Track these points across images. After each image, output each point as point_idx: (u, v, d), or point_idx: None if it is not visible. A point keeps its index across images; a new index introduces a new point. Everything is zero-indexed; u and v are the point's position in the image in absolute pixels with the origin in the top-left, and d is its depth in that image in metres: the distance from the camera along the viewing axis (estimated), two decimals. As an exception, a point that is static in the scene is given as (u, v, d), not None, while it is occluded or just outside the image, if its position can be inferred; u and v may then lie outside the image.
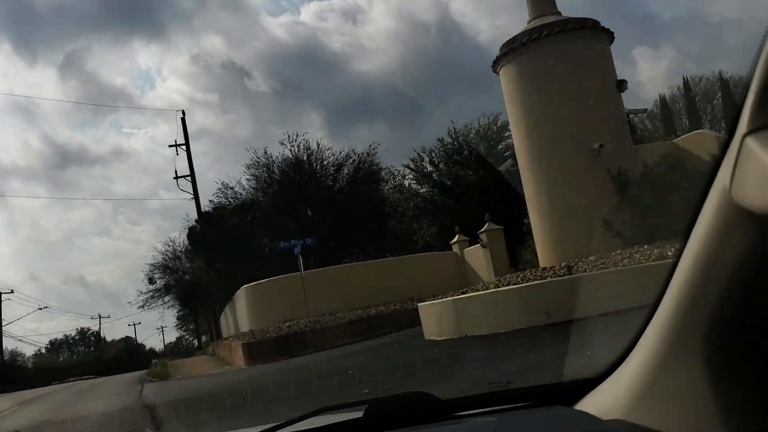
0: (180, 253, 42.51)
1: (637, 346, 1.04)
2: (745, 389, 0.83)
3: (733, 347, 0.83)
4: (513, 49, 16.53)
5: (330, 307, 21.43)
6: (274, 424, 1.41)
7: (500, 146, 30.11)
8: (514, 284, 12.67)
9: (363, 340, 17.52)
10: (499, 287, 12.89)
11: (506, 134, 29.83)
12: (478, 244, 22.86)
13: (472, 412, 1.35)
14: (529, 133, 16.44)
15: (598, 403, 1.14)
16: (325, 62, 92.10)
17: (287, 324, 20.96)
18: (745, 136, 0.67)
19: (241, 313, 26.94)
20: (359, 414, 1.37)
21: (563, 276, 12.19)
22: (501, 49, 16.96)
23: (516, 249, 23.24)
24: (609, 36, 16.69)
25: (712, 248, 0.79)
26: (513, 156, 18.27)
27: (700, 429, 0.89)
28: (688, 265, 0.84)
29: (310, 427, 1.36)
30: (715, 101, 40.08)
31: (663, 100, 37.42)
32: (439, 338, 12.92)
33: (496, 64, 17.28)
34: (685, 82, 38.87)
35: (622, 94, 16.60)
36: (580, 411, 1.18)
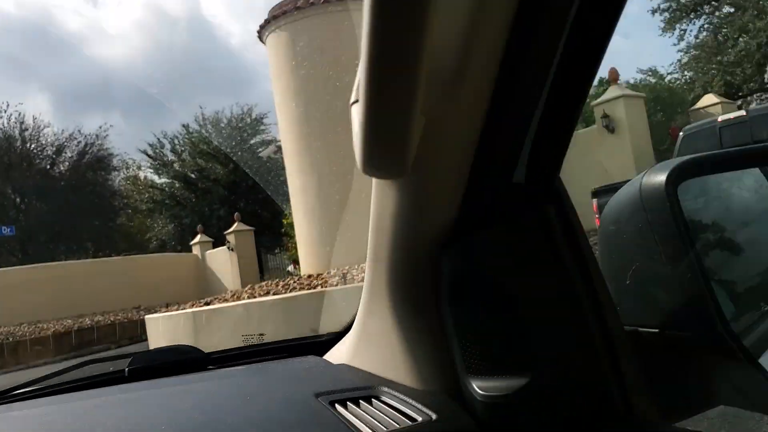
0: None
1: None
2: (427, 336, 0.92)
3: (412, 296, 0.92)
4: (285, 12, 14.01)
5: (32, 316, 18.53)
6: (38, 378, 1.39)
7: (254, 140, 27.89)
8: (274, 294, 10.45)
9: (72, 358, 14.31)
10: (255, 297, 10.47)
11: (261, 128, 28.09)
12: (224, 247, 21.12)
13: (231, 364, 1.45)
14: (297, 115, 14.02)
15: (337, 352, 1.27)
16: (58, 42, 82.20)
17: (-30, 334, 17.59)
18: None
19: None
20: (124, 366, 1.38)
21: (336, 286, 10.25)
22: (270, 12, 14.40)
23: (261, 254, 22.25)
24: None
25: (375, 209, 0.91)
26: (280, 145, 15.94)
27: (393, 370, 0.99)
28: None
29: (74, 378, 1.39)
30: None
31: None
32: (172, 362, 9.92)
33: (263, 30, 14.70)
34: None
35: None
36: (324, 359, 1.30)
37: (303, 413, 0.93)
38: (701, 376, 0.92)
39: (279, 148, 15.89)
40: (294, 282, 11.61)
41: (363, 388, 0.98)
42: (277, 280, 12.98)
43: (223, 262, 21.10)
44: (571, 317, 0.80)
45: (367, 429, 0.84)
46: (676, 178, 0.89)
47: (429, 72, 0.66)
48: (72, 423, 1.04)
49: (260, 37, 15.06)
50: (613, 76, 15.42)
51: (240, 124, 27.91)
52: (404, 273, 0.90)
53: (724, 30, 28.35)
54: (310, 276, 11.88)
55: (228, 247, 20.59)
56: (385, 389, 0.95)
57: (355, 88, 0.69)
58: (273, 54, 14.65)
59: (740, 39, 27.17)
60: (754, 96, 27.99)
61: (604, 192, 10.68)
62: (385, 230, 0.88)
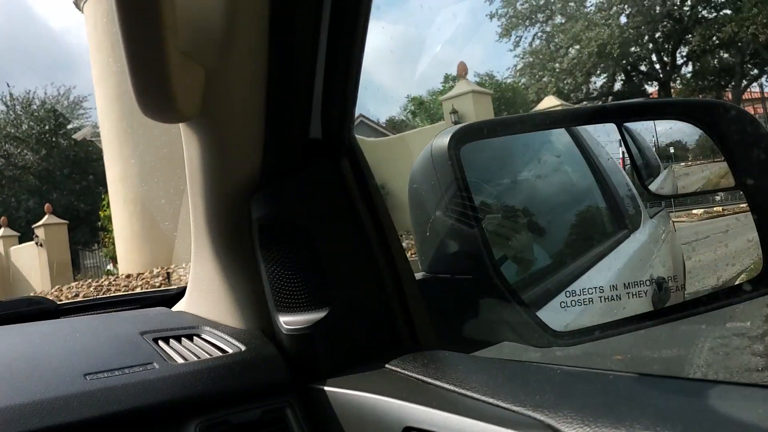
0: None
1: None
2: (245, 279, 0.98)
3: (229, 242, 0.98)
4: (107, -24, 12.37)
5: None
6: None
7: (71, 125, 25.79)
8: (84, 297, 9.02)
9: None
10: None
11: (81, 112, 25.98)
12: (32, 242, 19.58)
13: (82, 314, 1.43)
14: (118, 93, 12.63)
15: (180, 302, 1.28)
16: None
17: None
18: None
19: None
20: None
21: (160, 287, 8.95)
22: (89, -25, 12.72)
23: (78, 251, 21.14)
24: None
25: (187, 160, 0.96)
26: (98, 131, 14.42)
27: (219, 312, 1.05)
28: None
29: None
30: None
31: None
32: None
33: (80, -5, 13.00)
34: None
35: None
36: (171, 310, 1.32)
37: (124, 346, 0.95)
38: (486, 316, 1.03)
39: (98, 133, 14.26)
40: (109, 283, 10.21)
41: (186, 328, 1.04)
42: (90, 280, 11.45)
43: (30, 260, 19.65)
44: (364, 261, 0.90)
45: (180, 358, 0.88)
46: (458, 140, 1.01)
47: (198, 24, 0.74)
48: None
49: (77, 4, 13.43)
50: (462, 71, 15.26)
51: (56, 107, 25.58)
52: (219, 220, 0.96)
53: (556, 39, 29.60)
54: (129, 276, 10.58)
55: (36, 243, 19.07)
56: (207, 329, 1.01)
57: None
58: (91, 24, 13.22)
59: (572, 48, 28.46)
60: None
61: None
62: (198, 180, 0.94)
